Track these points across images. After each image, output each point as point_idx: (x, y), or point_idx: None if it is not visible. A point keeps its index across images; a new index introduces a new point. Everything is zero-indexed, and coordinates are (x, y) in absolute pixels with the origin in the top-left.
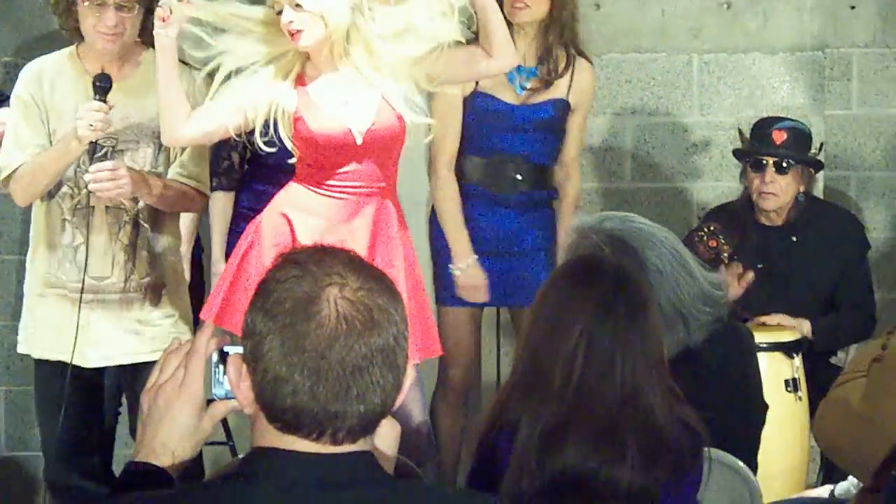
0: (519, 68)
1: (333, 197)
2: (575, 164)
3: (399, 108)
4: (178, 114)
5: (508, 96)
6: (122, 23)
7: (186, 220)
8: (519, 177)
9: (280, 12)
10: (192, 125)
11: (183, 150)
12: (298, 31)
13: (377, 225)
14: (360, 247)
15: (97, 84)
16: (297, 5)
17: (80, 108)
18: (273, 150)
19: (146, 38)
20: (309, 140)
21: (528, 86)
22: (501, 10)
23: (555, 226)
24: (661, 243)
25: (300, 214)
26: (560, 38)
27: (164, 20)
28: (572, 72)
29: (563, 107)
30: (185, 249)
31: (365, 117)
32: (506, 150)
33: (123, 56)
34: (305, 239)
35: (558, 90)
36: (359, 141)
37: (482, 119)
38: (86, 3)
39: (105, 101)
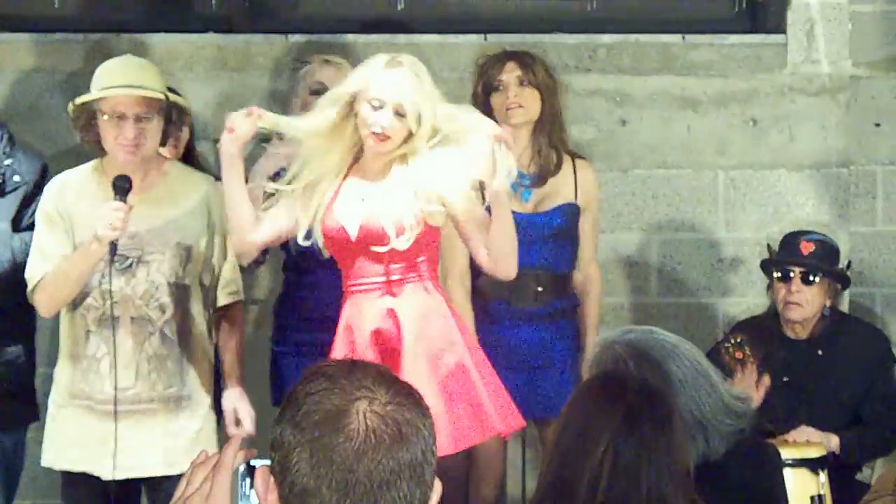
0: (519, 174)
1: (360, 292)
2: (593, 265)
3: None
4: (248, 221)
5: (517, 206)
6: (141, 134)
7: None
8: (540, 289)
9: (376, 108)
10: (261, 230)
11: (218, 267)
12: (387, 138)
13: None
14: (407, 331)
15: (116, 184)
16: (400, 114)
17: (101, 208)
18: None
19: (165, 144)
20: (325, 235)
21: (532, 191)
22: (495, 118)
23: (578, 334)
24: (683, 354)
25: (356, 321)
26: (549, 138)
27: (231, 131)
28: (575, 173)
29: (573, 211)
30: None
31: (385, 216)
32: (524, 263)
33: (146, 167)
34: (363, 343)
35: (564, 195)
36: (354, 236)
37: None
38: (105, 117)
39: (125, 202)
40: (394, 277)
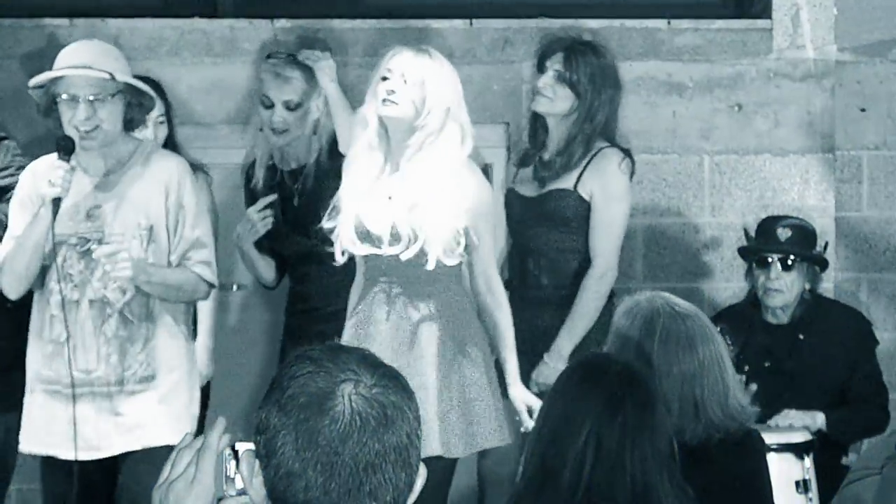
0: (542, 162)
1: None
2: (597, 259)
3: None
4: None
5: (529, 190)
6: (95, 115)
7: (206, 311)
8: (537, 272)
9: (384, 79)
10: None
11: (186, 238)
12: (393, 104)
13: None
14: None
15: (60, 143)
16: (405, 80)
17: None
18: None
19: (131, 128)
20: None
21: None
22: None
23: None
24: (717, 342)
25: (369, 315)
26: (587, 133)
27: None
28: (586, 163)
29: (570, 198)
30: (208, 341)
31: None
32: (523, 244)
33: (116, 150)
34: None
35: (565, 181)
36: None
37: (509, 214)
38: (63, 98)
39: (67, 161)
40: (405, 281)
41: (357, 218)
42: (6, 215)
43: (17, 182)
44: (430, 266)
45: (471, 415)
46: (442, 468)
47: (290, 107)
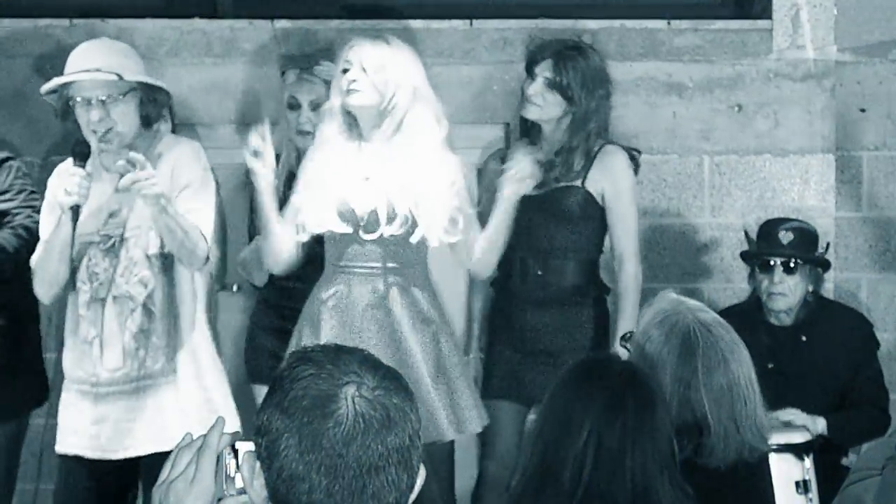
0: (539, 164)
1: (353, 273)
2: (625, 258)
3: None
4: (284, 244)
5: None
6: (108, 116)
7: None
8: (540, 271)
9: (345, 70)
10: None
11: (186, 205)
12: (356, 91)
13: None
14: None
15: (75, 150)
16: (364, 69)
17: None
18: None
19: (148, 124)
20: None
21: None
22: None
23: (596, 326)
24: (744, 359)
25: (347, 299)
26: (585, 138)
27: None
28: (591, 160)
29: (577, 195)
30: None
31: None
32: (525, 243)
33: (131, 148)
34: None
35: (569, 177)
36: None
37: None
38: (78, 99)
39: (83, 167)
40: (391, 264)
41: (339, 198)
42: (5, 240)
43: (16, 206)
44: (434, 244)
45: (455, 395)
46: (447, 451)
47: (316, 106)
